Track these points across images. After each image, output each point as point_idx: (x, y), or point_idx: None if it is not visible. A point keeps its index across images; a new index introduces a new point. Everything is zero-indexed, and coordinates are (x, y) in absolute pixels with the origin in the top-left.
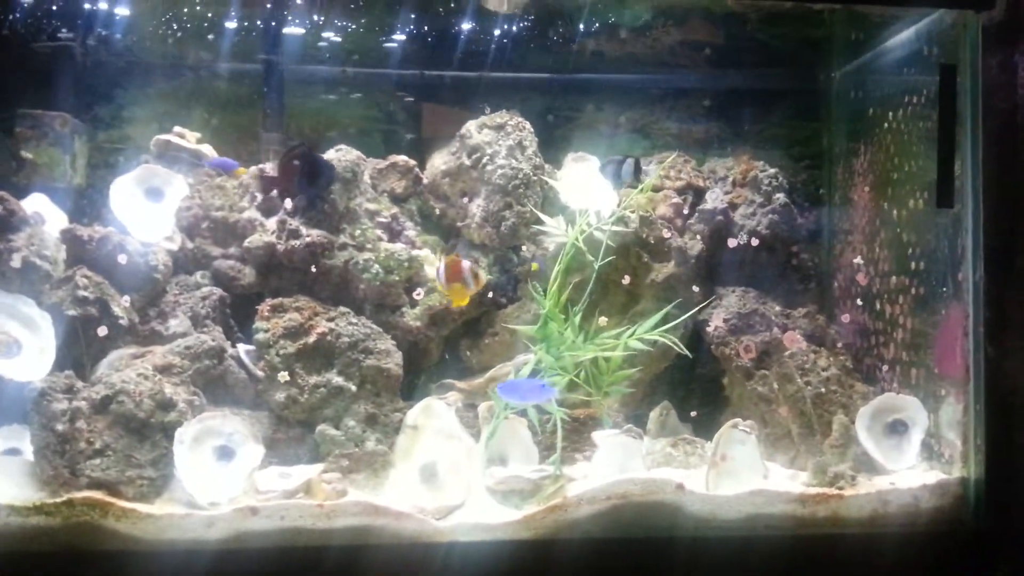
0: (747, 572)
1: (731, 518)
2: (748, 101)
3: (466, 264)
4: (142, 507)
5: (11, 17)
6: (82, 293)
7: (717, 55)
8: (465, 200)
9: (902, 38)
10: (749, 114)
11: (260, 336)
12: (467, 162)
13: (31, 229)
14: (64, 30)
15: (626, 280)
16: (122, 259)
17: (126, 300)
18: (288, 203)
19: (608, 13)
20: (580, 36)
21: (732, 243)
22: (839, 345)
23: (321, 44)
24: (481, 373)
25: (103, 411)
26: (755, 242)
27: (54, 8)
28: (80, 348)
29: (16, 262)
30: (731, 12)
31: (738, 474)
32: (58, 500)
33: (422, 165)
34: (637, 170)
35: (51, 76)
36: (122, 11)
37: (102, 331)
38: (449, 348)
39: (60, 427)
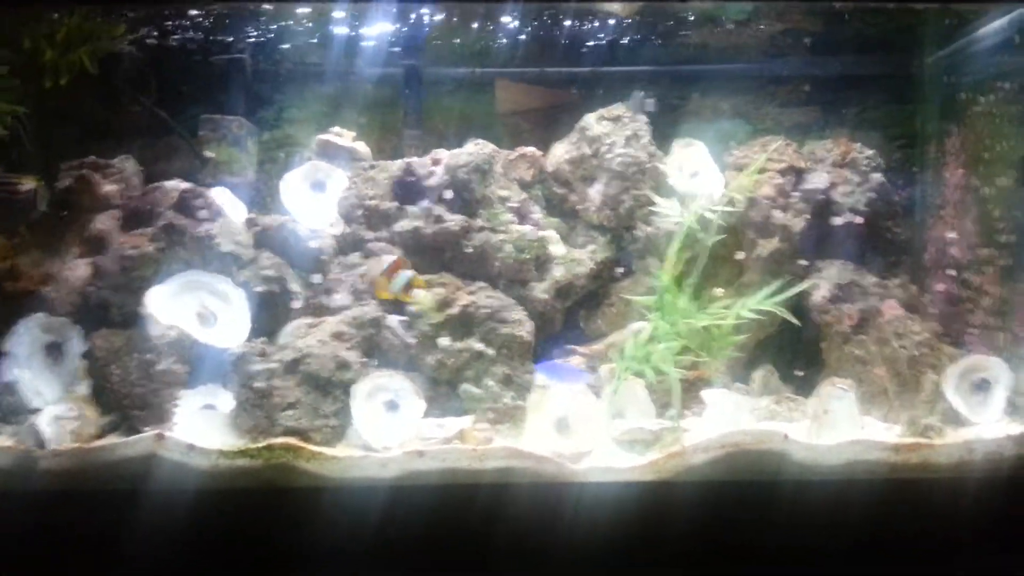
0: (847, 511)
1: (832, 464)
2: (845, 86)
3: (408, 273)
4: (328, 450)
5: (192, 36)
6: (265, 272)
7: (816, 43)
8: (585, 186)
9: (994, 26)
10: (846, 98)
11: (412, 308)
12: (587, 151)
13: (225, 219)
14: (236, 45)
15: (740, 255)
16: (294, 243)
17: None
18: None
19: (712, 8)
20: (685, 29)
21: (837, 221)
22: (930, 312)
23: (454, 48)
24: (598, 340)
25: (293, 371)
26: (856, 219)
27: (227, 26)
28: (265, 318)
29: (227, 246)
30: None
31: (838, 426)
32: (259, 445)
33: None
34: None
35: (226, 85)
36: (282, 26)
37: (296, 304)
38: (569, 317)
39: (259, 384)
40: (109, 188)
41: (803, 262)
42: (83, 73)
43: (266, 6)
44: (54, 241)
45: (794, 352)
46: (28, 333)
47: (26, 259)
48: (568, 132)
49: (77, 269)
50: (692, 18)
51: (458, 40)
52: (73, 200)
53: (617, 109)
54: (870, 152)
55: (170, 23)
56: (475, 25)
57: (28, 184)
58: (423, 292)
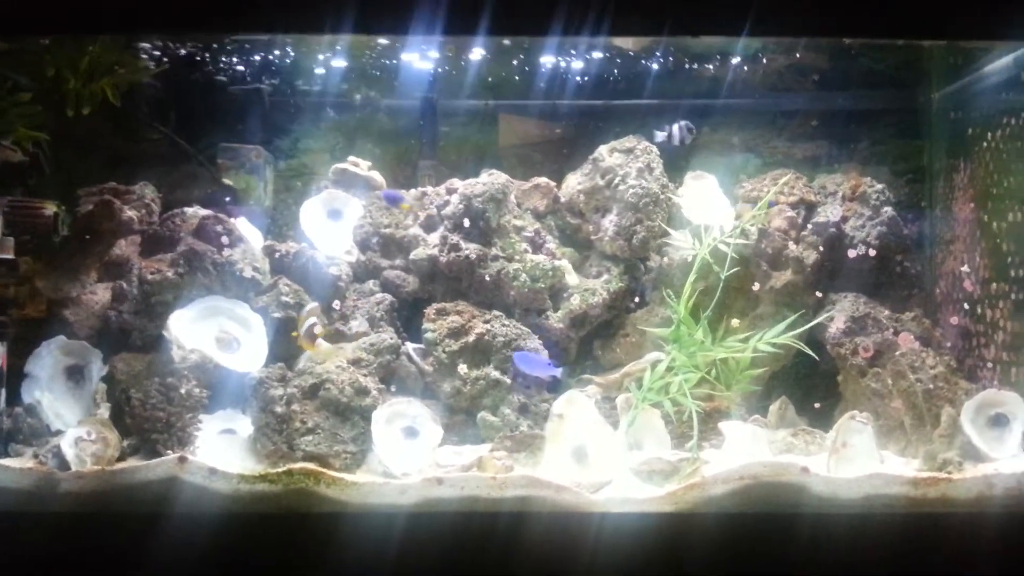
0: (865, 545)
1: (850, 498)
2: (853, 121)
3: (311, 321)
4: (348, 476)
5: (212, 67)
6: (284, 298)
7: (823, 78)
8: (598, 216)
9: (1000, 64)
10: (855, 133)
11: (428, 335)
12: (600, 182)
13: (244, 245)
14: (253, 76)
15: (756, 287)
16: (312, 270)
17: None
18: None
19: (722, 45)
20: (695, 65)
21: (852, 253)
22: (944, 346)
23: (467, 81)
24: (613, 369)
25: (312, 396)
26: (870, 252)
27: (245, 57)
28: (283, 344)
29: (247, 272)
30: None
31: (856, 460)
32: (279, 470)
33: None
34: (687, 133)
35: (244, 114)
36: (298, 58)
37: (318, 330)
38: (584, 347)
39: (278, 409)
40: (129, 214)
41: (818, 294)
42: (104, 102)
43: (284, 37)
44: (74, 265)
45: (809, 384)
46: (49, 356)
47: (47, 282)
48: (581, 163)
49: (97, 293)
50: (701, 53)
51: (471, 73)
52: (94, 225)
53: (629, 141)
54: (880, 186)
55: (190, 53)
56: (488, 59)
57: (49, 209)
58: (322, 341)
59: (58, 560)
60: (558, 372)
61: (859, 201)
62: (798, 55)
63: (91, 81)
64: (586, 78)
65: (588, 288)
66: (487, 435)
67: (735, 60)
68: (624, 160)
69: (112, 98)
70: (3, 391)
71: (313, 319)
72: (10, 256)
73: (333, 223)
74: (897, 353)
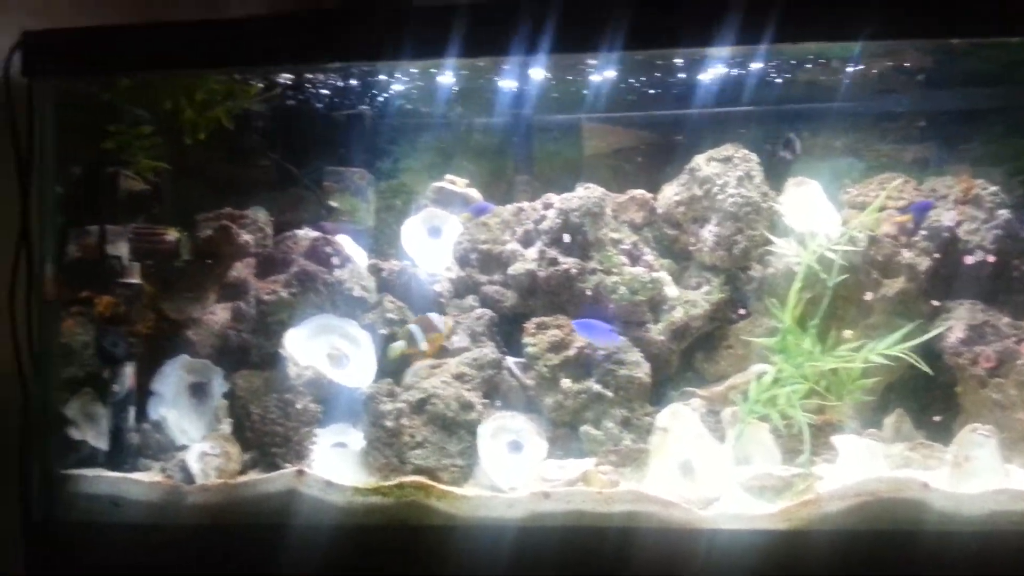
0: (991, 564)
1: (974, 514)
2: (960, 121)
3: (433, 317)
4: (456, 490)
5: (317, 94)
6: (389, 315)
7: (929, 78)
8: (697, 227)
9: None
10: (963, 134)
11: (529, 350)
12: (698, 192)
13: (352, 265)
14: (355, 100)
15: (868, 296)
16: (415, 287)
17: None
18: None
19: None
20: (794, 69)
21: (969, 259)
22: None
23: (559, 96)
24: (715, 382)
25: (420, 411)
26: (989, 258)
27: (347, 83)
28: (389, 360)
29: (356, 291)
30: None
31: (979, 475)
32: (392, 483)
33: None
34: (792, 146)
35: (347, 138)
36: (396, 82)
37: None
38: (684, 359)
39: (388, 424)
40: (246, 237)
41: (935, 302)
42: (217, 132)
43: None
44: (195, 287)
45: (927, 396)
46: (174, 374)
47: (170, 305)
48: (677, 174)
49: (217, 313)
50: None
51: (564, 88)
52: (214, 249)
53: (727, 150)
54: (993, 188)
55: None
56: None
57: (172, 235)
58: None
59: (185, 571)
60: (619, 340)
61: (971, 204)
62: (902, 55)
63: (206, 111)
64: (678, 89)
65: (689, 300)
66: (591, 449)
67: (835, 62)
68: (722, 169)
69: (227, 123)
70: (132, 409)
71: (419, 327)
72: (136, 280)
73: (433, 240)
74: (1019, 362)
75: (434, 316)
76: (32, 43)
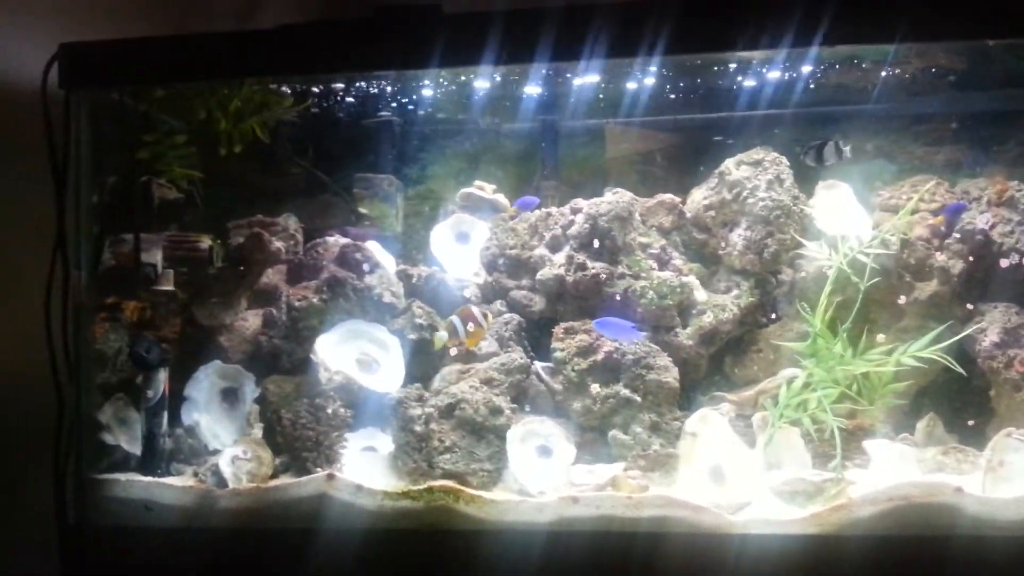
0: None
1: (1009, 519)
2: (994, 123)
3: (474, 310)
4: (485, 494)
5: (347, 102)
6: (418, 321)
7: (961, 80)
8: (726, 230)
9: None
10: (996, 135)
11: (557, 354)
12: (727, 196)
13: (381, 271)
14: (384, 108)
15: (901, 300)
16: (443, 292)
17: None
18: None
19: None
20: (824, 71)
21: (1004, 263)
22: None
23: (587, 100)
24: (745, 386)
25: (449, 416)
26: None
27: (377, 91)
28: (418, 365)
29: (386, 297)
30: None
31: (1014, 479)
32: (420, 487)
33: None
34: (838, 151)
35: (376, 145)
36: (424, 88)
37: (454, 352)
38: (713, 364)
39: (417, 428)
40: (277, 245)
41: (969, 305)
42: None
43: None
44: (227, 294)
45: (960, 400)
46: (207, 379)
47: (203, 311)
48: (706, 177)
49: (248, 320)
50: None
51: (591, 92)
52: (246, 256)
53: (757, 153)
54: None
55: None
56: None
57: (205, 242)
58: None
59: (217, 574)
60: (640, 336)
61: (1006, 206)
62: (934, 57)
63: (240, 121)
64: (704, 91)
65: (718, 304)
66: (619, 453)
67: (866, 66)
68: (752, 172)
69: (261, 134)
70: (166, 414)
71: (474, 308)
72: (170, 287)
73: (461, 246)
74: None
75: (475, 308)
76: (69, 55)
